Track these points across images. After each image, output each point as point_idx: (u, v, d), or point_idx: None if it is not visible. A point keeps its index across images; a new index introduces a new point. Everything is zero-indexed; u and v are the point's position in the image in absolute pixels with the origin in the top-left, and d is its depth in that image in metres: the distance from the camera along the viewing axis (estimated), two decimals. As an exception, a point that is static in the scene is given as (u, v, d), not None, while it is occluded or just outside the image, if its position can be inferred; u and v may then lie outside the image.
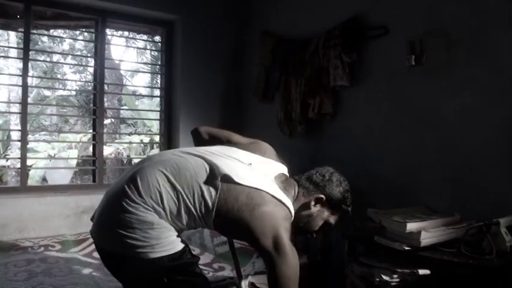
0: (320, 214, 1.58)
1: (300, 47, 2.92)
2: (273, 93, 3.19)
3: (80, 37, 9.70)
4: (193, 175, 1.38)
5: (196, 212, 1.37)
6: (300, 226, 1.56)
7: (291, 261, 1.35)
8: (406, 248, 1.69)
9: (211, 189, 1.37)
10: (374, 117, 2.53)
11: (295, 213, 1.52)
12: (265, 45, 3.26)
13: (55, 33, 6.30)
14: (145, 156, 1.28)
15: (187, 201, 1.35)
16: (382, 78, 2.47)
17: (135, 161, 8.48)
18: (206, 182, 1.37)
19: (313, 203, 1.55)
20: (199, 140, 1.75)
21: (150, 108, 8.38)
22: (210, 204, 1.36)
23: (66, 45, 11.04)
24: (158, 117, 3.74)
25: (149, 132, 9.16)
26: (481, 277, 1.51)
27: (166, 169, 1.38)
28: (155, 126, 8.18)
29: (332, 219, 1.63)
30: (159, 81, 3.91)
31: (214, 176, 1.38)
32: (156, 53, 7.48)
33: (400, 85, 2.37)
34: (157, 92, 4.76)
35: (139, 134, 9.61)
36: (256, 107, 3.45)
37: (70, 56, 10.84)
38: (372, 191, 2.46)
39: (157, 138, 4.65)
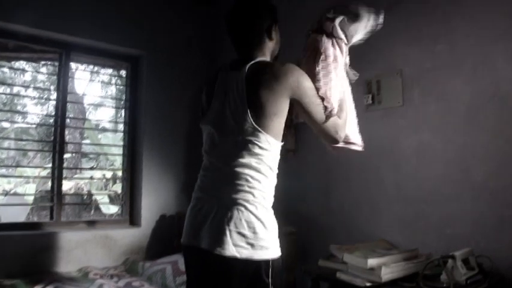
0: (276, 34, 1.56)
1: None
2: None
3: (43, 68, 9.52)
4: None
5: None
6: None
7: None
8: (368, 284, 1.70)
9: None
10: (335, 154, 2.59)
11: (272, 52, 1.57)
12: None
13: (17, 64, 6.14)
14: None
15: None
16: (343, 115, 2.54)
17: (96, 197, 8.21)
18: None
19: (271, 34, 1.54)
20: None
21: (113, 142, 8.19)
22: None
23: (28, 75, 10.80)
24: (121, 152, 3.67)
25: (112, 167, 8.93)
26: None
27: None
28: (118, 161, 7.99)
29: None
30: (123, 115, 3.86)
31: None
32: (121, 87, 7.44)
33: (359, 123, 2.44)
34: (121, 127, 4.69)
35: (101, 168, 9.35)
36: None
37: (31, 87, 10.56)
38: (335, 227, 2.50)
39: (120, 173, 4.55)
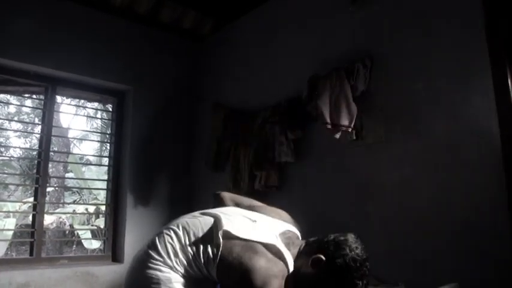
0: (325, 278, 1.34)
1: (249, 118, 3.03)
2: (224, 163, 3.23)
3: (28, 101, 9.46)
4: (200, 232, 1.45)
5: (203, 266, 1.41)
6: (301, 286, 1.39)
7: None
8: (354, 321, 1.67)
9: (213, 245, 1.40)
10: (320, 190, 2.60)
11: (294, 270, 1.38)
12: (216, 116, 3.34)
13: (1, 96, 6.10)
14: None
15: (196, 257, 1.40)
16: (326, 152, 2.58)
17: (78, 232, 8.00)
18: (209, 239, 1.42)
19: (310, 262, 1.36)
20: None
21: (97, 176, 8.09)
22: (212, 258, 1.38)
23: (12, 107, 10.70)
24: (105, 186, 3.62)
25: (95, 201, 8.77)
26: None
27: (179, 229, 1.47)
28: (102, 194, 7.87)
29: None
30: (108, 148, 3.84)
31: (217, 233, 1.41)
32: (106, 120, 7.43)
33: (343, 159, 2.48)
34: (105, 160, 4.64)
35: (84, 203, 9.17)
36: (207, 176, 3.46)
37: (15, 118, 10.45)
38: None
39: (103, 208, 4.47)
